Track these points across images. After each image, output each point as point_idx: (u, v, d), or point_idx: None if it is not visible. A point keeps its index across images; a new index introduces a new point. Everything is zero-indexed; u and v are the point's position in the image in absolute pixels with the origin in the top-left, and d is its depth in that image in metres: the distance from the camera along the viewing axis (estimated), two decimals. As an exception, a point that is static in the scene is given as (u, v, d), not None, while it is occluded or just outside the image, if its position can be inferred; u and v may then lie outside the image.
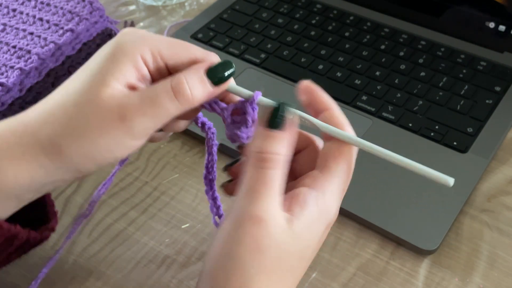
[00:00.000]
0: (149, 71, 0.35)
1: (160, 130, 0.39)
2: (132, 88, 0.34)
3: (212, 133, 0.40)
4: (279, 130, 0.34)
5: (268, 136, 0.33)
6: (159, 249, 0.48)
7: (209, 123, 0.40)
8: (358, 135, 0.56)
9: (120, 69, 0.34)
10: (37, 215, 0.41)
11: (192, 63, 0.36)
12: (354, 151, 0.36)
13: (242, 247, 0.32)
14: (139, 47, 0.34)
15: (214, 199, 0.42)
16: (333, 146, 0.35)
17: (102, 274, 0.47)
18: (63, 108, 0.34)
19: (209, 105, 0.37)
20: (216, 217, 0.42)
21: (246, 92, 0.37)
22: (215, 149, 0.40)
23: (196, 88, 0.34)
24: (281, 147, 0.33)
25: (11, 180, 0.33)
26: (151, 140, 0.39)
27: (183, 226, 0.50)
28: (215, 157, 0.41)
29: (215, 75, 0.35)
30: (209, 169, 0.41)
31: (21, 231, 0.37)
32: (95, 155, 0.34)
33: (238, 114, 0.37)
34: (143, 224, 0.50)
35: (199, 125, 0.40)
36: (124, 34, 0.35)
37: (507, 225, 0.49)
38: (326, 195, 0.34)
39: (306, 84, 0.37)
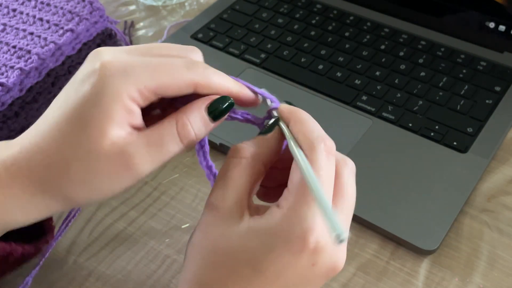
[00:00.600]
0: (139, 106, 0.34)
1: None
2: (130, 128, 0.33)
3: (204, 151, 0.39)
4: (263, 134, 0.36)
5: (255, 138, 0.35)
6: (159, 249, 0.48)
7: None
8: (358, 135, 0.56)
9: (111, 116, 0.32)
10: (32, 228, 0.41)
11: (177, 85, 0.34)
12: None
13: (198, 234, 0.34)
14: (124, 88, 0.32)
15: (209, 167, 0.40)
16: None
17: (102, 274, 0.47)
18: (64, 160, 0.33)
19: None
20: None
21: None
22: (206, 149, 0.39)
23: (199, 128, 0.34)
24: (252, 142, 0.35)
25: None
26: None
27: (183, 226, 0.50)
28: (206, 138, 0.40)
29: (216, 114, 0.35)
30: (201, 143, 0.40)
31: (16, 249, 0.37)
32: (97, 196, 0.34)
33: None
34: (143, 224, 0.50)
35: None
36: (104, 70, 0.32)
37: (507, 225, 0.49)
38: (284, 210, 0.33)
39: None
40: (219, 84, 0.35)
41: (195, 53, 0.36)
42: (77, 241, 0.49)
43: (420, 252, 0.47)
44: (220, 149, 0.54)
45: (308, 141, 0.34)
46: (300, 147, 0.34)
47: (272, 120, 0.37)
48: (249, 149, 0.34)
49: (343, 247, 0.34)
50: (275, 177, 0.37)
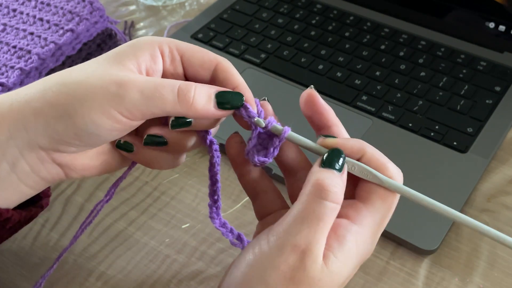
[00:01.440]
0: (164, 66, 0.36)
1: (163, 143, 0.38)
2: (144, 72, 0.36)
3: (218, 157, 0.39)
4: (336, 170, 0.34)
5: (329, 172, 0.33)
6: (159, 249, 0.48)
7: (216, 145, 0.39)
8: (358, 135, 0.56)
9: (136, 53, 0.35)
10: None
11: (206, 65, 0.37)
12: (395, 194, 0.36)
13: (276, 273, 0.32)
14: (158, 40, 0.36)
15: (223, 225, 0.41)
16: (378, 186, 0.35)
17: (102, 274, 0.47)
18: (72, 73, 0.35)
19: (245, 114, 0.37)
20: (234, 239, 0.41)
21: (279, 127, 0.37)
22: (218, 177, 0.40)
23: (200, 99, 0.34)
24: (339, 185, 0.33)
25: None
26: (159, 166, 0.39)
27: (183, 226, 0.50)
28: (219, 185, 0.40)
29: (221, 99, 0.35)
30: (214, 197, 0.40)
31: (14, 214, 0.37)
32: (80, 123, 0.33)
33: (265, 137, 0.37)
34: (143, 224, 0.50)
35: (207, 143, 0.39)
36: (148, 36, 0.37)
37: (507, 225, 0.49)
38: (365, 229, 0.34)
39: (308, 98, 0.37)
40: (238, 75, 0.37)
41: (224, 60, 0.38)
42: (77, 241, 0.49)
43: (420, 252, 0.47)
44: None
45: (379, 162, 0.35)
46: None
47: (339, 154, 0.35)
48: (341, 196, 0.33)
49: None
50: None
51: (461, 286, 0.45)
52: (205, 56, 0.37)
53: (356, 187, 0.36)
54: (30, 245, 0.49)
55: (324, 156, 0.34)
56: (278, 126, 0.36)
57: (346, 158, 0.35)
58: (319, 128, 0.37)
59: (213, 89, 0.35)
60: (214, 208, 0.40)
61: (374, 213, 0.34)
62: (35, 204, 0.40)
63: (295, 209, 0.33)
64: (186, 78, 0.38)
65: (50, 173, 0.36)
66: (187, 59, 0.37)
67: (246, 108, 0.36)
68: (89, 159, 0.37)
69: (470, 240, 0.48)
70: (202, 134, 0.38)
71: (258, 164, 0.37)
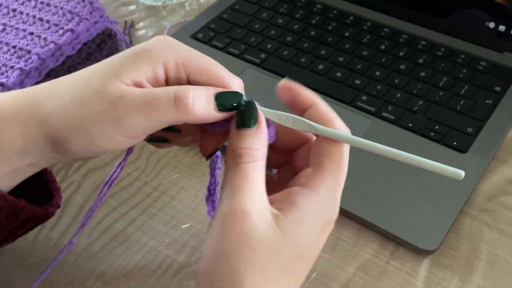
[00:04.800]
0: (168, 79, 0.35)
1: (165, 141, 0.38)
2: (140, 87, 0.34)
3: (216, 156, 0.39)
4: (250, 128, 0.34)
5: (240, 135, 0.34)
6: (159, 249, 0.48)
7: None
8: (358, 135, 0.56)
9: (137, 66, 0.33)
10: (41, 194, 0.41)
11: (213, 81, 0.35)
12: (347, 146, 0.36)
13: (229, 244, 0.32)
14: (165, 53, 0.34)
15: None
16: (324, 142, 0.35)
17: (102, 274, 0.47)
18: (71, 89, 0.34)
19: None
20: None
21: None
22: (218, 172, 0.39)
23: (199, 104, 0.33)
24: (253, 142, 0.34)
25: (6, 142, 0.34)
26: (158, 145, 0.39)
27: (183, 226, 0.50)
28: (218, 180, 0.40)
29: (221, 101, 0.34)
30: (211, 191, 0.40)
31: (26, 205, 0.37)
32: (82, 140, 0.33)
33: None
34: (143, 224, 0.50)
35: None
36: (157, 39, 0.35)
37: (507, 225, 0.49)
38: (321, 192, 0.34)
39: (284, 84, 0.37)
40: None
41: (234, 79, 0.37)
42: (77, 241, 0.49)
43: (420, 252, 0.47)
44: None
45: (326, 117, 0.35)
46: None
47: (242, 102, 0.35)
48: (258, 151, 0.34)
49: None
50: None
51: (461, 286, 0.45)
52: (213, 80, 0.35)
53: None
54: (30, 245, 0.49)
55: (237, 115, 0.35)
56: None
57: (279, 112, 0.35)
58: (300, 109, 0.37)
59: (211, 91, 0.34)
60: (210, 202, 0.40)
61: (325, 174, 0.34)
62: (50, 202, 0.41)
63: (224, 182, 0.34)
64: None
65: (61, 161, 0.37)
66: (194, 77, 0.35)
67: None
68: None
69: (470, 240, 0.48)
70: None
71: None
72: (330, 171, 0.34)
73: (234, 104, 0.35)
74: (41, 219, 0.40)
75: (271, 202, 0.34)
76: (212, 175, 0.40)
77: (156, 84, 0.34)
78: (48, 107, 0.34)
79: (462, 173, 0.33)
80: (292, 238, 0.33)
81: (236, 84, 0.36)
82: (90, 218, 0.41)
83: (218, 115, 0.34)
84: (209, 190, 0.41)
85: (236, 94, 0.35)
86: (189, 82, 0.35)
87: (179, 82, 0.35)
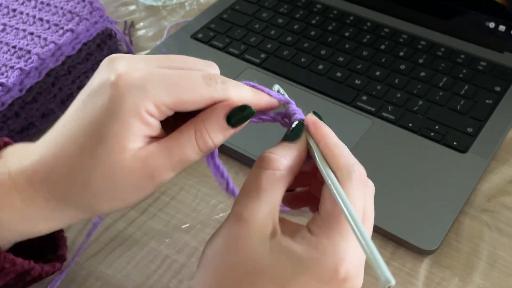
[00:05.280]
0: (157, 119, 0.33)
1: None
2: (149, 139, 0.33)
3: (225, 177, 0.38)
4: (289, 141, 0.34)
5: (277, 145, 0.35)
6: (159, 249, 0.48)
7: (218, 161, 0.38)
8: (358, 135, 0.56)
9: (130, 130, 0.32)
10: (44, 243, 0.41)
11: (198, 103, 0.34)
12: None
13: (223, 242, 0.32)
14: (141, 103, 0.32)
15: (216, 166, 0.39)
16: (330, 202, 0.33)
17: (102, 274, 0.47)
18: (85, 174, 0.32)
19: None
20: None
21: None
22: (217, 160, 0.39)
23: (217, 137, 0.34)
24: (280, 151, 0.34)
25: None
26: None
27: (183, 226, 0.50)
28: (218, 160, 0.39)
29: (234, 119, 0.34)
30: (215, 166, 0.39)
31: (35, 266, 0.37)
32: (121, 205, 0.34)
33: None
34: (143, 224, 0.50)
35: (212, 165, 0.38)
36: (120, 82, 0.32)
37: (507, 225, 0.49)
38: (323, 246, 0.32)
39: (312, 121, 0.36)
40: (238, 98, 0.34)
41: (213, 68, 0.36)
42: (77, 241, 0.49)
43: (420, 252, 0.47)
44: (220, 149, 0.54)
45: (343, 169, 0.33)
46: (332, 171, 0.33)
47: (294, 124, 0.35)
48: (283, 161, 0.33)
49: (362, 272, 0.34)
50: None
51: (461, 286, 0.45)
52: (199, 104, 0.33)
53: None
54: (30, 245, 0.49)
55: (286, 131, 0.36)
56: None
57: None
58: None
59: (221, 118, 0.34)
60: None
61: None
62: (55, 255, 0.41)
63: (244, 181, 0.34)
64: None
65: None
66: (180, 108, 0.33)
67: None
68: None
69: (470, 240, 0.48)
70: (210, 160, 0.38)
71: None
72: (325, 219, 0.33)
73: (245, 117, 0.34)
74: (46, 275, 0.40)
75: (282, 221, 0.34)
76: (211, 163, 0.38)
77: (153, 129, 0.33)
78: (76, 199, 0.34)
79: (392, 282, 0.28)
80: (277, 263, 0.31)
81: (213, 71, 0.36)
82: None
83: (236, 130, 0.35)
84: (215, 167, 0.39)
85: (243, 108, 0.34)
86: (176, 114, 0.34)
87: (166, 116, 0.34)
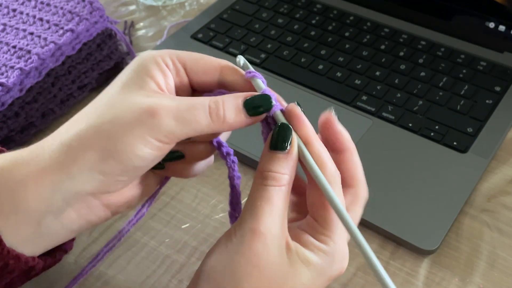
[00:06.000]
0: (171, 74, 0.36)
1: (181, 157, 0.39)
2: (165, 89, 0.36)
3: (233, 162, 0.39)
4: (282, 151, 0.34)
5: (271, 157, 0.34)
6: (159, 249, 0.48)
7: (227, 147, 0.39)
8: (358, 135, 0.56)
9: (149, 73, 0.35)
10: None
11: (210, 71, 0.37)
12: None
13: (241, 260, 0.33)
14: (159, 54, 0.36)
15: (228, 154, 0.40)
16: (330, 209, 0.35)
17: (102, 274, 0.47)
18: (96, 109, 0.35)
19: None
20: None
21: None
22: (237, 182, 0.39)
23: (230, 113, 0.34)
24: (282, 167, 0.34)
25: (31, 199, 0.33)
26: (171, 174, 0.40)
27: (183, 226, 0.50)
28: (239, 191, 0.39)
29: (251, 106, 0.35)
30: (234, 206, 0.39)
31: (39, 263, 0.37)
32: (125, 159, 0.33)
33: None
34: (143, 224, 0.50)
35: (215, 144, 0.38)
36: (143, 53, 0.37)
37: (507, 225, 0.49)
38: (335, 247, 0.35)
39: (327, 119, 0.37)
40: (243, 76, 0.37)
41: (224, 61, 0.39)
42: (77, 241, 0.49)
43: (420, 252, 0.47)
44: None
45: (330, 175, 0.35)
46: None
47: (282, 128, 0.35)
48: (285, 177, 0.34)
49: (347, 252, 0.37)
50: None
51: (461, 286, 0.45)
52: (207, 63, 0.37)
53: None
54: (30, 245, 0.49)
55: (271, 136, 0.35)
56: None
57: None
58: (333, 150, 0.37)
59: (240, 99, 0.35)
60: (234, 218, 0.40)
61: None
62: (59, 247, 0.40)
63: (247, 200, 0.34)
64: (192, 86, 0.38)
65: (98, 216, 0.36)
66: (190, 68, 0.37)
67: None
68: (132, 191, 0.38)
69: (470, 240, 0.48)
70: (217, 145, 0.38)
71: None
72: (331, 228, 0.35)
73: (263, 109, 0.35)
74: (48, 268, 0.39)
75: (290, 229, 0.35)
76: (233, 185, 0.39)
77: (170, 83, 0.36)
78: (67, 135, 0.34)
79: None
80: (296, 273, 0.33)
81: (228, 63, 0.38)
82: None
83: (250, 121, 0.35)
84: (231, 204, 0.40)
85: (264, 97, 0.35)
86: (188, 74, 0.37)
87: (179, 76, 0.37)
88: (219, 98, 0.34)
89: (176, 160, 0.38)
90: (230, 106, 0.34)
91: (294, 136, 0.35)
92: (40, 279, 0.45)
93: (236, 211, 0.39)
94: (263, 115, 0.35)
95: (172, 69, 0.36)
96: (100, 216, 0.36)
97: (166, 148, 0.34)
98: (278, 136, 0.34)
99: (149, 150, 0.33)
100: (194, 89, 0.38)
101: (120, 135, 0.33)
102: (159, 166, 0.38)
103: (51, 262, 0.39)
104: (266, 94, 0.35)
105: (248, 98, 0.35)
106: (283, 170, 0.34)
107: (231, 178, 0.38)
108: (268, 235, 0.33)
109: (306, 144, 0.35)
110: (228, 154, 0.38)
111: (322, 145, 0.35)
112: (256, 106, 0.35)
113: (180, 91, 0.37)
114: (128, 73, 0.36)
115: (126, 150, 0.33)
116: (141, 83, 0.35)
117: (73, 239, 0.41)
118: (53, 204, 0.34)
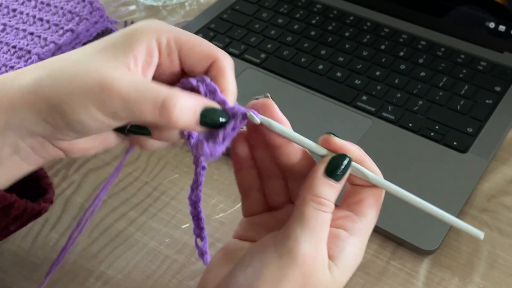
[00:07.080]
0: (160, 59, 0.35)
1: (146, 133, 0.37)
2: (140, 68, 0.34)
3: (202, 174, 0.39)
4: (336, 181, 0.35)
5: (327, 183, 0.35)
6: (159, 249, 0.48)
7: (196, 138, 0.36)
8: (358, 135, 0.56)
9: (132, 46, 0.34)
10: (34, 191, 0.41)
11: (203, 60, 0.35)
12: (382, 197, 0.38)
13: (292, 282, 0.33)
14: (157, 30, 0.35)
15: (198, 220, 0.40)
16: (371, 192, 0.37)
17: (102, 274, 0.47)
18: (59, 62, 0.34)
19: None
20: (198, 239, 0.41)
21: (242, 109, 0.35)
22: (202, 172, 0.39)
23: (183, 116, 0.33)
24: (334, 196, 0.35)
25: None
26: (144, 147, 0.38)
27: (183, 226, 0.50)
28: (201, 179, 0.39)
29: (206, 118, 0.34)
30: (193, 190, 0.39)
31: (18, 200, 0.37)
32: (70, 120, 0.33)
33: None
34: (143, 224, 0.50)
35: (186, 136, 0.36)
36: (145, 21, 0.36)
37: (507, 225, 0.49)
38: (361, 240, 0.36)
39: (326, 139, 0.37)
40: (229, 77, 0.36)
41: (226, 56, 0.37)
42: (77, 241, 0.49)
43: (420, 252, 0.47)
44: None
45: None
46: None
47: (344, 161, 0.35)
48: (332, 205, 0.35)
49: None
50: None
51: (461, 286, 0.45)
52: (204, 51, 0.36)
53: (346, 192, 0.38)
54: (30, 245, 0.49)
55: (329, 162, 0.35)
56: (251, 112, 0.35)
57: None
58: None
59: (199, 105, 0.33)
60: (192, 202, 0.40)
61: (367, 224, 0.36)
62: (43, 198, 0.41)
63: (299, 220, 0.34)
64: (183, 69, 0.37)
65: (51, 154, 0.36)
66: (185, 52, 0.36)
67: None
68: (88, 141, 0.37)
69: (470, 240, 0.48)
70: (186, 136, 0.36)
71: (208, 156, 0.35)
72: (372, 221, 0.37)
73: (218, 123, 0.34)
74: (34, 215, 0.40)
75: None
76: (196, 173, 0.39)
77: (151, 61, 0.35)
78: (35, 76, 0.34)
79: (481, 235, 0.36)
80: (338, 284, 0.35)
81: (224, 58, 0.36)
82: (90, 217, 0.41)
83: (198, 129, 0.34)
84: (192, 188, 0.40)
85: (223, 113, 0.34)
86: (180, 57, 0.36)
87: (171, 58, 0.35)
88: (180, 94, 0.33)
89: (141, 135, 0.36)
90: (188, 109, 0.33)
91: (354, 166, 0.36)
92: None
93: (194, 195, 0.40)
94: (210, 129, 0.34)
95: (164, 49, 0.35)
96: (54, 155, 0.36)
97: (111, 124, 0.33)
98: (337, 166, 0.35)
99: (91, 120, 0.33)
100: (183, 72, 0.37)
101: (69, 94, 0.32)
102: (120, 131, 0.37)
103: (33, 206, 0.39)
104: (225, 112, 0.34)
105: (208, 108, 0.34)
106: (334, 199, 0.35)
107: (196, 165, 0.38)
108: (318, 258, 0.34)
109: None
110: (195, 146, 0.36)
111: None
112: (213, 118, 0.34)
113: (167, 71, 0.36)
114: (118, 37, 0.34)
115: (72, 112, 0.33)
116: (118, 54, 0.34)
117: (52, 193, 0.42)
118: (8, 137, 0.34)
